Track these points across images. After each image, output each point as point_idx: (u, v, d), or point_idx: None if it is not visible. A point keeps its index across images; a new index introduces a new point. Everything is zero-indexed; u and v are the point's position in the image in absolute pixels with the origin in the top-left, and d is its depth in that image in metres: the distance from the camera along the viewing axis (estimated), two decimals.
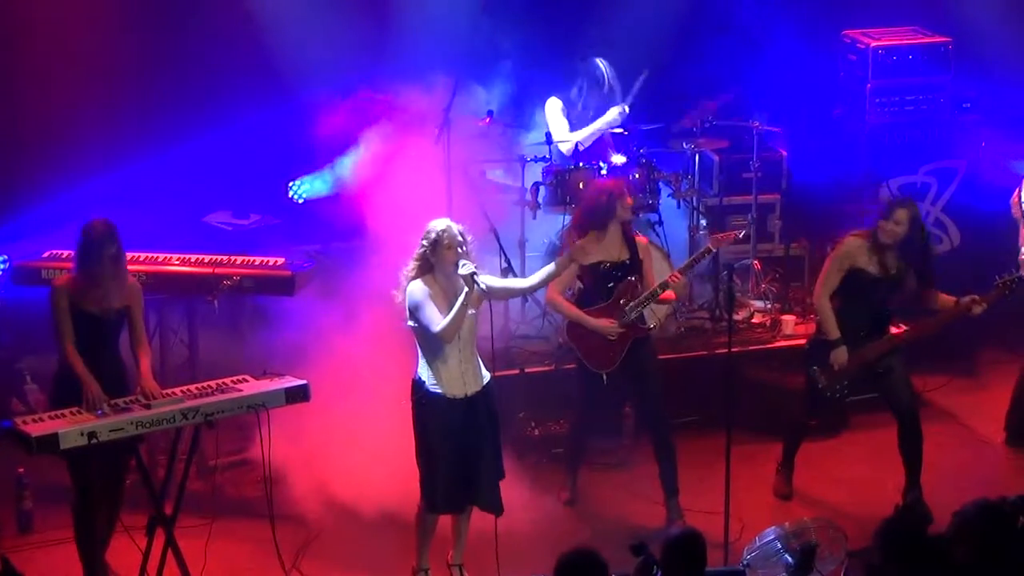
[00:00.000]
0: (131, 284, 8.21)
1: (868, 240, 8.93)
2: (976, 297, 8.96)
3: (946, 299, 9.04)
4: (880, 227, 8.88)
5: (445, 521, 8.30)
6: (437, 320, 7.88)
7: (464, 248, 7.95)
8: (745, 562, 7.52)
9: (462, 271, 7.83)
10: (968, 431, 10.31)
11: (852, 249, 8.96)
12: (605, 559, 6.02)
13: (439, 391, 8.00)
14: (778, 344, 10.62)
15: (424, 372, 8.03)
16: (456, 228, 7.95)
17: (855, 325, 9.01)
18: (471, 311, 7.94)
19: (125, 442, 7.80)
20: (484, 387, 8.09)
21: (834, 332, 8.99)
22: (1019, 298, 11.29)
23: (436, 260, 7.92)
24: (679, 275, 8.97)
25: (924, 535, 6.18)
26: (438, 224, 7.97)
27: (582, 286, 9.03)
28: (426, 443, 8.08)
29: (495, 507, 8.16)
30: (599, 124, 10.68)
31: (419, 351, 8.03)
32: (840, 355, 8.99)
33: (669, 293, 9.03)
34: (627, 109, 10.61)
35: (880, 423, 9.76)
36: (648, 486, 9.21)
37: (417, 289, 7.95)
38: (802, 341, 10.57)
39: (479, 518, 8.24)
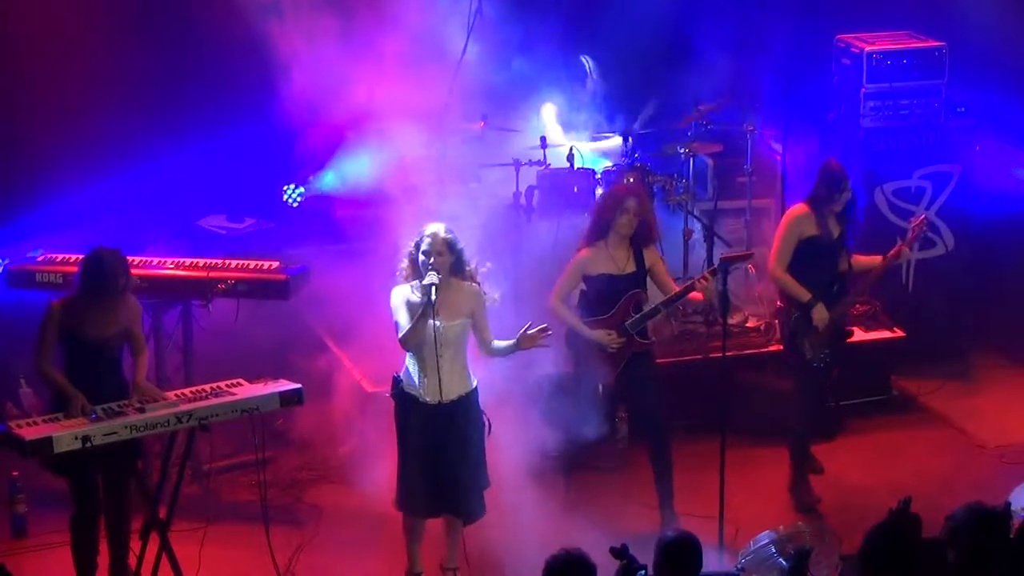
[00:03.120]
0: (130, 305, 8.18)
1: (810, 207, 9.15)
2: (900, 243, 9.27)
3: (871, 258, 9.34)
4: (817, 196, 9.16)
5: (437, 525, 8.30)
6: (401, 327, 7.94)
7: (454, 257, 7.95)
8: (739, 566, 7.54)
9: (424, 281, 7.86)
10: (962, 435, 10.32)
11: (799, 218, 9.17)
12: (594, 561, 6.02)
13: (412, 392, 8.04)
14: (773, 348, 10.61)
15: (404, 370, 8.09)
16: (443, 236, 7.96)
17: (820, 291, 9.11)
18: (456, 321, 7.96)
19: (125, 448, 7.81)
20: (465, 395, 8.09)
21: (805, 294, 9.10)
22: (1014, 302, 11.39)
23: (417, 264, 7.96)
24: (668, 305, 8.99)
25: (916, 539, 6.18)
26: (427, 229, 8.00)
27: (584, 288, 9.02)
28: (399, 440, 8.16)
29: (467, 515, 8.17)
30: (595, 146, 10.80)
31: None
32: (820, 311, 9.08)
33: (696, 294, 9.01)
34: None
35: (875, 428, 9.78)
36: (643, 490, 9.21)
37: (397, 292, 8.02)
38: None
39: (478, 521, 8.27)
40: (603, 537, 8.34)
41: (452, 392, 8.05)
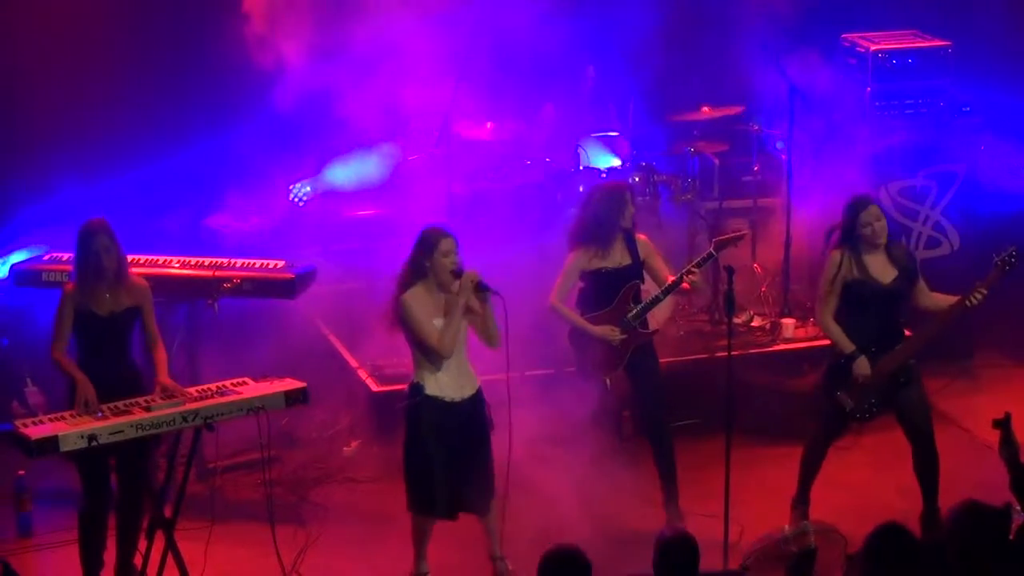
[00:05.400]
0: (138, 285, 8.21)
1: (849, 250, 8.56)
2: (977, 284, 8.53)
3: (946, 298, 8.70)
4: (859, 231, 8.51)
5: (440, 525, 8.30)
6: (433, 333, 7.91)
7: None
8: (744, 565, 7.53)
9: (467, 281, 7.85)
10: (966, 434, 10.32)
11: (836, 263, 8.59)
12: (588, 558, 6.02)
13: (438, 394, 8.02)
14: (778, 347, 10.63)
15: (422, 376, 8.04)
16: (455, 242, 7.94)
17: (866, 340, 8.62)
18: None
19: (136, 445, 7.83)
20: (478, 390, 8.13)
21: (848, 345, 8.58)
22: (1020, 302, 11.37)
23: (431, 267, 7.94)
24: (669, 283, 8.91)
25: (915, 539, 6.17)
26: (438, 234, 7.97)
27: (583, 285, 9.02)
28: (422, 447, 8.07)
29: (484, 510, 8.20)
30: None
31: (414, 355, 8.06)
32: (862, 365, 8.57)
33: (687, 284, 8.98)
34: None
35: (881, 427, 9.73)
36: (648, 488, 9.21)
37: (411, 300, 7.94)
38: (802, 344, 10.60)
39: (473, 519, 8.28)
40: (606, 536, 8.42)
41: (469, 388, 8.09)
